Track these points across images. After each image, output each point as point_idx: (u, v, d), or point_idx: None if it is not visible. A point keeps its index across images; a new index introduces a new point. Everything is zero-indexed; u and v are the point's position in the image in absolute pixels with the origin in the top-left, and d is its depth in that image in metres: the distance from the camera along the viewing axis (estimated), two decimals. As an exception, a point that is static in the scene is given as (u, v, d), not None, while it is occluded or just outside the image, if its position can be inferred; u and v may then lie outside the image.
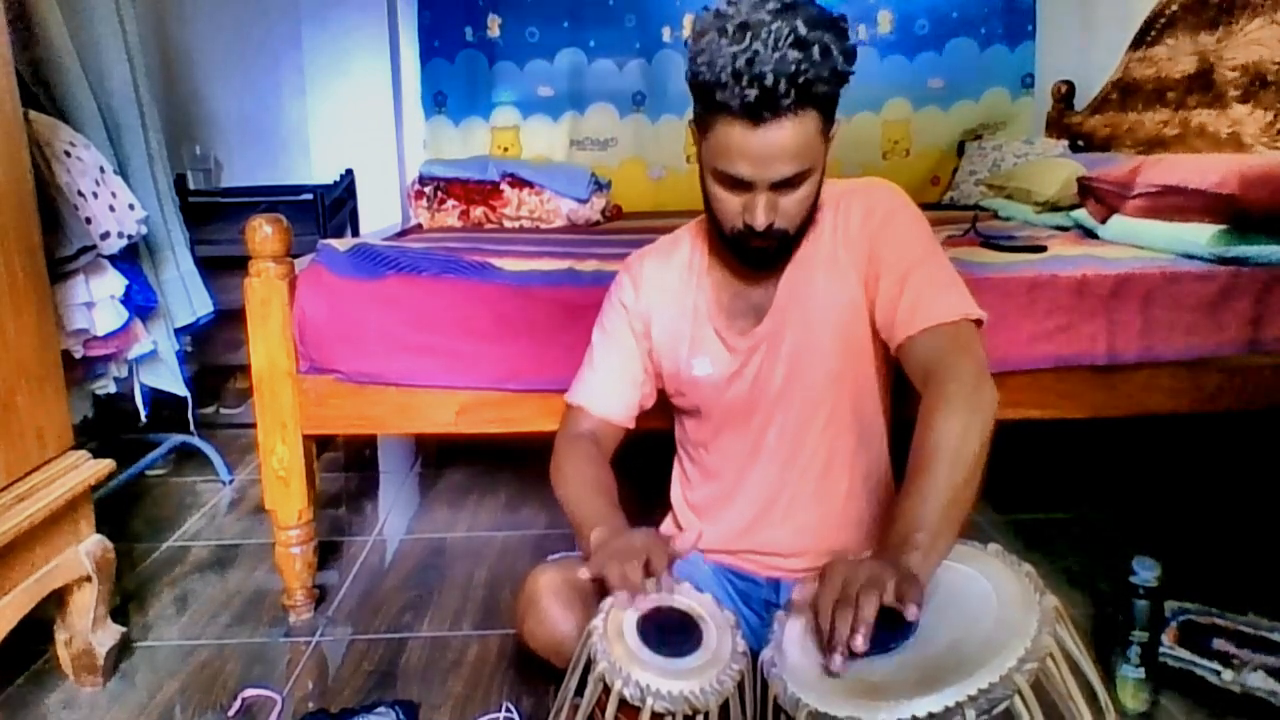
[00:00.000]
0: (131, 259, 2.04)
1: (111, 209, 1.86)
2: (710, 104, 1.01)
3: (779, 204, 1.05)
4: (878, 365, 1.20)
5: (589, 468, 1.21)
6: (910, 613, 0.81)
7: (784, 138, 0.99)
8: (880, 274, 1.12)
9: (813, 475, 1.21)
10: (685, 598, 1.03)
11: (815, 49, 0.96)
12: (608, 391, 1.27)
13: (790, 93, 0.96)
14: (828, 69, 0.98)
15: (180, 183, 2.90)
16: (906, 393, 1.25)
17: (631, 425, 1.30)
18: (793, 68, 0.95)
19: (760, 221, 1.05)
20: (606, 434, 1.28)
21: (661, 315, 1.25)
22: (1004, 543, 0.95)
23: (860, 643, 0.80)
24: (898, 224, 1.14)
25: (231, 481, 2.41)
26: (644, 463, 1.37)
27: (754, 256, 1.13)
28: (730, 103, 0.98)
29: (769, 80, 0.95)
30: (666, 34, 3.30)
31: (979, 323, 1.09)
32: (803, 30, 0.96)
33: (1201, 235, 1.71)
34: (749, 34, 0.96)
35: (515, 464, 2.46)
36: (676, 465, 1.36)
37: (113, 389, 2.03)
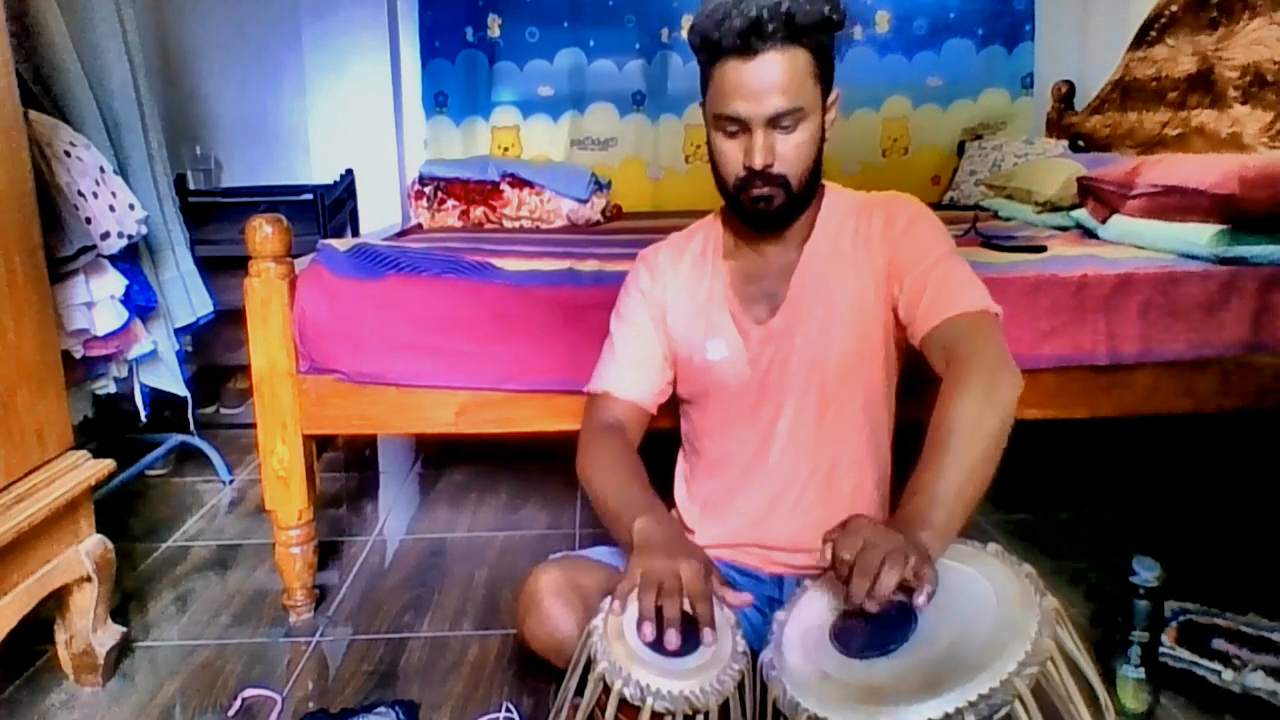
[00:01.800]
0: (131, 259, 2.03)
1: (111, 209, 1.86)
2: (709, 50, 1.10)
3: (776, 146, 1.11)
4: (887, 371, 1.22)
5: (621, 457, 1.21)
6: (920, 601, 0.83)
7: (774, 71, 1.07)
8: (903, 274, 1.16)
9: (821, 472, 1.22)
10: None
11: None
12: (632, 375, 1.28)
13: (775, 21, 1.04)
14: (816, 12, 1.06)
15: (180, 183, 2.90)
16: (910, 397, 1.26)
17: (655, 411, 1.30)
18: (778, 1, 1.04)
19: (758, 161, 1.10)
20: (633, 420, 1.28)
21: (677, 301, 1.27)
22: (1004, 543, 0.95)
23: (874, 606, 0.83)
24: (919, 229, 1.19)
25: (231, 481, 2.41)
26: (647, 463, 1.37)
27: (760, 214, 1.16)
28: (723, 40, 1.07)
29: (753, 12, 1.04)
30: (666, 34, 3.30)
31: (997, 318, 1.13)
32: None
33: (1201, 235, 1.71)
34: None
35: (515, 464, 2.46)
36: (681, 462, 1.36)
37: (113, 389, 2.03)
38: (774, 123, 1.09)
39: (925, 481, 0.95)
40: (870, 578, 0.84)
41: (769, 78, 1.07)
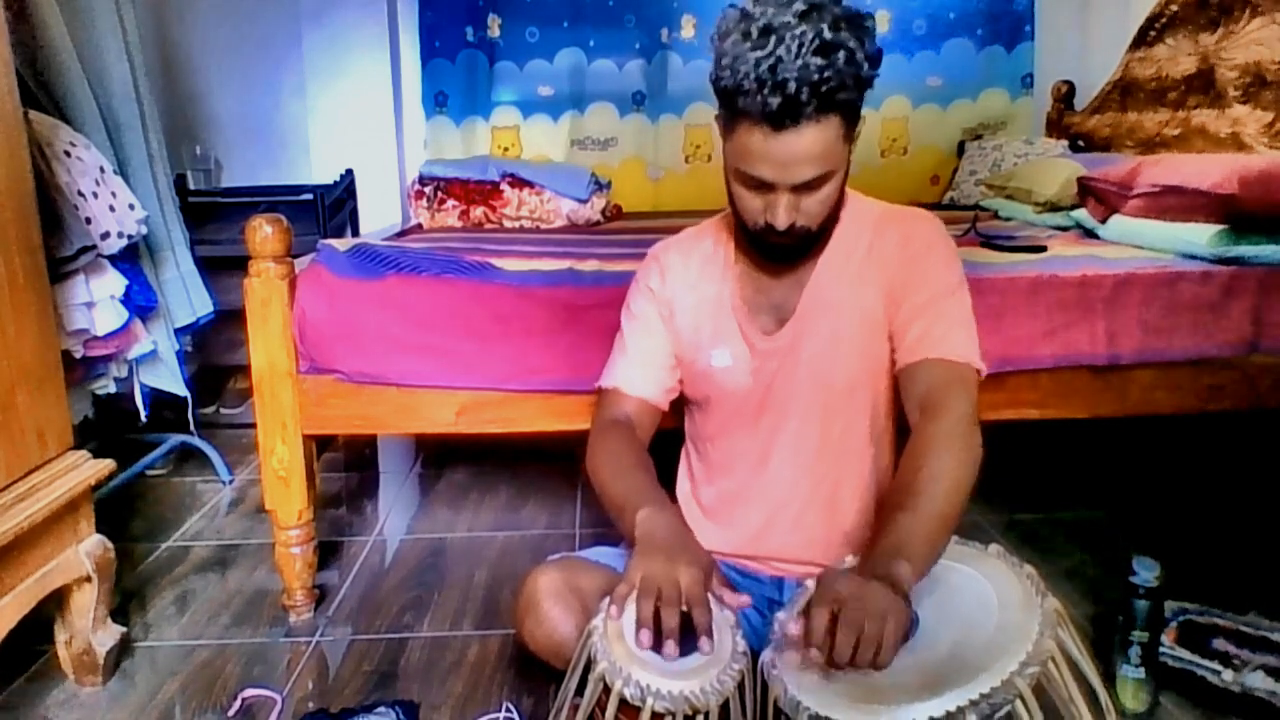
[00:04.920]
0: (131, 259, 2.03)
1: (111, 209, 1.86)
2: (733, 108, 1.01)
3: (800, 204, 1.06)
4: (894, 391, 1.20)
5: (629, 450, 1.19)
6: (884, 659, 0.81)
7: (806, 143, 0.99)
8: (904, 297, 1.13)
9: (825, 489, 1.21)
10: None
11: (840, 54, 0.96)
12: (642, 372, 1.26)
13: (813, 100, 0.96)
14: (851, 75, 0.97)
15: (180, 183, 2.91)
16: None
17: (665, 408, 1.28)
18: (815, 75, 0.95)
19: (782, 222, 1.05)
20: (643, 417, 1.26)
21: (684, 304, 1.25)
22: (1004, 543, 0.95)
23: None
24: (933, 256, 1.15)
25: (231, 481, 2.41)
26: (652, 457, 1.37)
27: (776, 251, 1.14)
28: (752, 109, 0.98)
29: (791, 88, 0.95)
30: (666, 34, 3.30)
31: (978, 374, 1.11)
32: (827, 34, 0.95)
33: (1201, 235, 1.71)
34: (773, 38, 0.95)
35: (515, 464, 2.46)
36: (684, 460, 1.36)
37: (113, 389, 2.03)
38: (800, 186, 1.04)
39: (901, 522, 0.93)
40: (853, 638, 0.80)
41: (799, 150, 1.00)
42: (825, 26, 0.95)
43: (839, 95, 0.97)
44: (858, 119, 1.06)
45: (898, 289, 1.14)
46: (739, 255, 1.24)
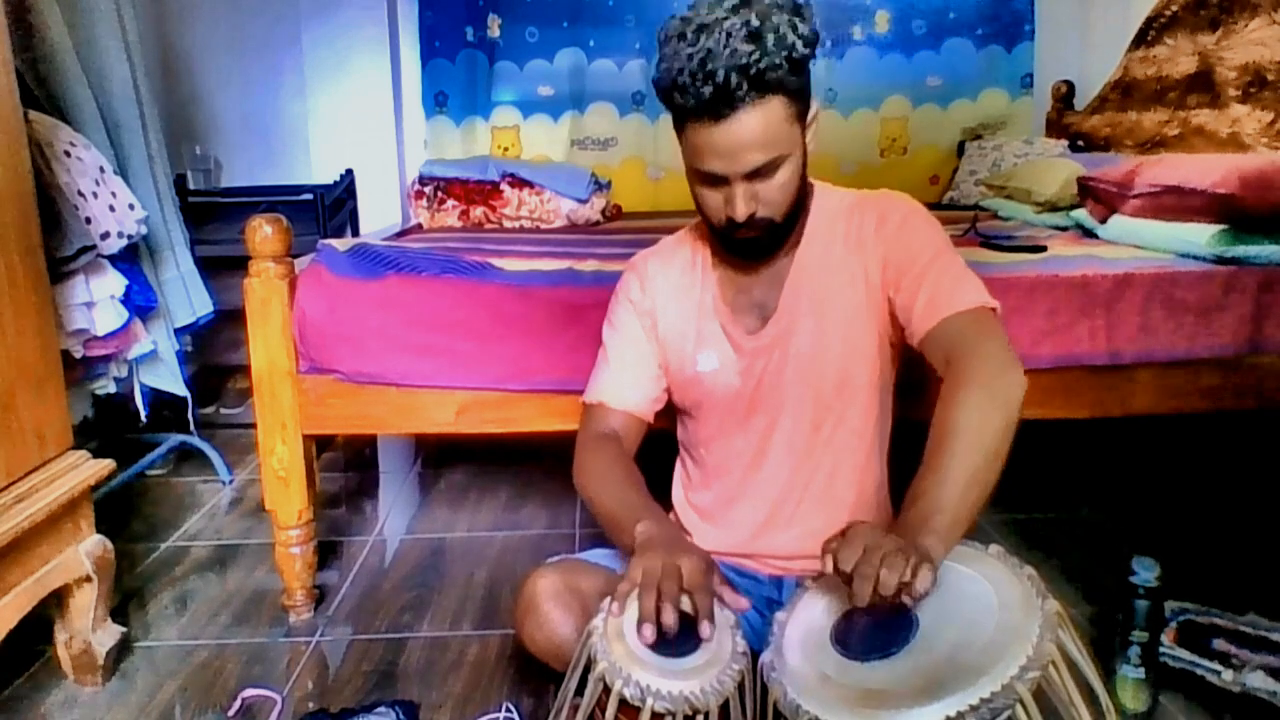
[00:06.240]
0: (131, 259, 2.04)
1: (111, 209, 1.86)
2: (674, 108, 1.05)
3: (758, 193, 1.07)
4: (884, 376, 1.21)
5: (618, 465, 1.19)
6: (918, 590, 0.82)
7: (747, 129, 1.01)
8: (899, 276, 1.13)
9: (820, 482, 1.21)
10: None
11: (769, 38, 0.98)
12: (626, 385, 1.26)
13: (743, 85, 0.98)
14: (782, 55, 0.99)
15: (180, 183, 2.91)
16: (910, 397, 1.26)
17: (651, 420, 1.28)
18: (744, 60, 0.97)
19: (740, 213, 1.07)
20: (629, 430, 1.26)
21: (666, 312, 1.25)
22: (1004, 543, 0.94)
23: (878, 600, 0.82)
24: (912, 227, 1.16)
25: (231, 481, 2.41)
26: (645, 464, 1.37)
27: (745, 247, 1.15)
28: (688, 104, 1.01)
29: (720, 76, 0.97)
30: (665, 34, 3.30)
31: (995, 312, 1.11)
32: (755, 22, 0.98)
33: (1201, 235, 1.71)
34: (703, 34, 0.98)
35: (515, 464, 2.46)
36: (679, 466, 1.36)
37: (113, 389, 2.03)
38: (753, 174, 1.05)
39: (928, 485, 0.93)
40: (871, 580, 0.82)
41: (741, 137, 1.01)
42: (754, 15, 0.98)
43: (770, 75, 0.99)
44: (805, 102, 1.07)
45: (887, 268, 1.14)
46: (717, 258, 1.24)
